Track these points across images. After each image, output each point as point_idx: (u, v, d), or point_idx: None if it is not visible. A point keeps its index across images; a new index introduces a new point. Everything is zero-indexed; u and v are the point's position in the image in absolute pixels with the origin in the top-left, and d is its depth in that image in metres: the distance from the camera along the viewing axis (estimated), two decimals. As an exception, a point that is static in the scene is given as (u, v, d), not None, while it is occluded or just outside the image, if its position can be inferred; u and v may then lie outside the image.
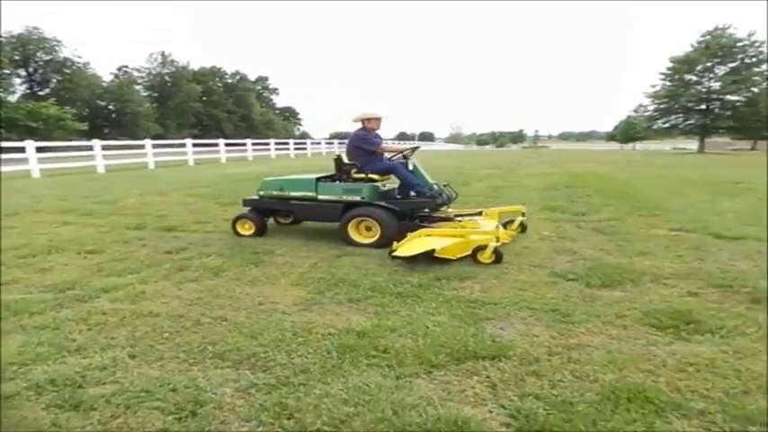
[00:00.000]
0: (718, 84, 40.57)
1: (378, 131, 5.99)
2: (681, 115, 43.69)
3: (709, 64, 40.70)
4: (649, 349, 2.73)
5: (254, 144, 28.28)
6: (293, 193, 5.74)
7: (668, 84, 43.45)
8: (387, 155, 5.90)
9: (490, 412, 2.13)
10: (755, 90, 39.76)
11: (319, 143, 38.54)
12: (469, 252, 4.56)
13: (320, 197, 5.58)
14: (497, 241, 4.55)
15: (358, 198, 5.43)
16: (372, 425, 2.03)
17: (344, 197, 5.49)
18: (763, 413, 2.06)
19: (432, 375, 2.45)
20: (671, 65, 42.74)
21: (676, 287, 3.82)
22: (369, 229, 5.35)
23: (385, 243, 5.03)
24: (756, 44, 39.14)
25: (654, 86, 44.63)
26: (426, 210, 5.69)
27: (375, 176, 5.69)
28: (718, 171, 17.40)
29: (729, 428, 1.98)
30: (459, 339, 2.82)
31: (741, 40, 39.53)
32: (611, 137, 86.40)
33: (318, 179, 5.66)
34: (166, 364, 2.59)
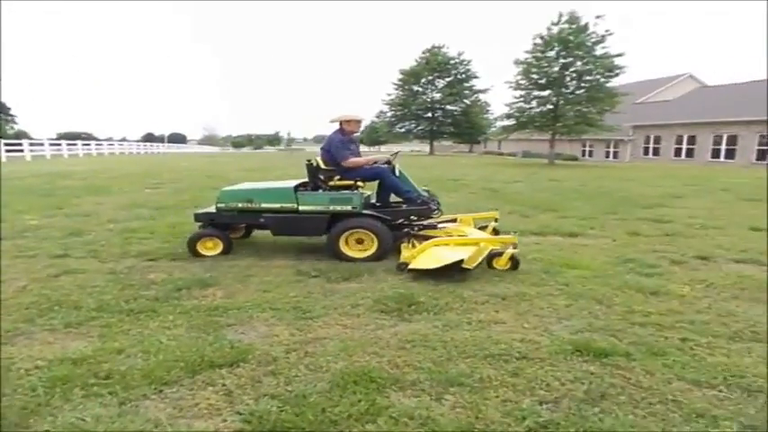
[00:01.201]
0: (439, 95, 47.33)
1: (356, 134, 5.54)
2: (413, 121, 49.67)
3: (430, 77, 47.05)
4: (377, 333, 3.02)
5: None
6: (266, 205, 5.01)
7: (401, 93, 48.89)
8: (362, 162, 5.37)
9: (224, 421, 2.08)
10: (467, 102, 47.64)
11: (42, 144, 31.98)
12: (480, 259, 4.40)
13: (302, 208, 4.95)
14: (515, 248, 4.48)
15: (349, 208, 4.89)
16: (86, 464, 1.79)
17: (332, 207, 4.93)
18: (461, 375, 2.45)
19: (162, 394, 2.28)
20: (401, 76, 48.15)
21: (403, 275, 4.30)
22: (360, 241, 4.92)
23: (382, 256, 4.78)
24: (464, 62, 46.75)
25: (390, 95, 49.79)
26: (413, 217, 5.33)
27: (360, 183, 5.25)
28: (442, 171, 20.28)
29: (434, 392, 2.30)
30: (196, 351, 2.70)
31: (453, 59, 46.70)
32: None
33: (296, 188, 5.03)
34: None
